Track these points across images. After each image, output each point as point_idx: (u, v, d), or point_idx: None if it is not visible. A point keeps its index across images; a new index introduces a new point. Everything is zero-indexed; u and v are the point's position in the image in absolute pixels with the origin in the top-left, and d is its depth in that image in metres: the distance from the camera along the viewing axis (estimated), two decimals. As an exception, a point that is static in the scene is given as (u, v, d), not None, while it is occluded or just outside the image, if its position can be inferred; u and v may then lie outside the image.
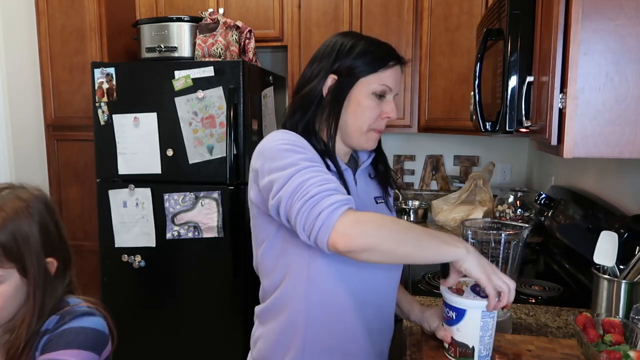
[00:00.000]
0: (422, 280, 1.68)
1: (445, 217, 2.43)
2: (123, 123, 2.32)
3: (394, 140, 2.89)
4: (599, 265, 1.18)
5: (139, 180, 2.33)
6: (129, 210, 2.35)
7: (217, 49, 2.38)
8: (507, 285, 0.89)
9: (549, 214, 1.92)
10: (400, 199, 2.75)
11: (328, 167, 1.01)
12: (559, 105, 0.91)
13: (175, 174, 2.30)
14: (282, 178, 0.92)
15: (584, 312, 1.05)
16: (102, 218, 2.39)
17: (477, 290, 0.97)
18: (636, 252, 1.13)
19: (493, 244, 1.13)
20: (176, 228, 2.31)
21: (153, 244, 2.35)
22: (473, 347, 0.95)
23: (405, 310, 1.18)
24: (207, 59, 2.39)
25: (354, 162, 1.15)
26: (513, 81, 1.17)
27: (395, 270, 1.12)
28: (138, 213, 2.34)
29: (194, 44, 2.46)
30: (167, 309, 2.38)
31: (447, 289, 0.97)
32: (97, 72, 2.33)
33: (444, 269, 1.74)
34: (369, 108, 1.05)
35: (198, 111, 2.24)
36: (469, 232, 1.16)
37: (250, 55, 2.46)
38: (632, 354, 0.90)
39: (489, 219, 1.85)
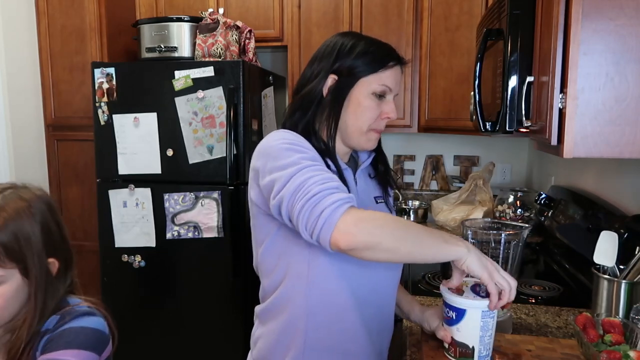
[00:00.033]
0: (422, 280, 1.68)
1: (445, 217, 2.43)
2: (123, 123, 2.32)
3: (394, 140, 2.89)
4: (599, 265, 1.18)
5: (139, 180, 2.33)
6: (129, 210, 2.35)
7: (217, 49, 2.38)
8: (508, 284, 0.89)
9: (549, 214, 1.92)
10: (400, 199, 2.75)
11: (328, 167, 1.01)
12: (559, 105, 0.91)
13: (175, 174, 2.30)
14: (284, 177, 0.92)
15: (584, 312, 1.05)
16: (102, 218, 2.39)
17: (477, 290, 0.97)
18: (636, 252, 1.13)
19: (493, 244, 1.13)
20: (176, 228, 2.31)
21: (153, 244, 2.35)
22: (473, 347, 0.95)
23: (405, 310, 1.18)
24: (207, 59, 2.39)
25: (353, 162, 1.16)
26: (513, 81, 1.17)
27: (395, 270, 1.13)
28: (138, 213, 2.34)
29: (194, 44, 2.46)
30: (167, 309, 2.38)
31: (447, 289, 0.97)
32: (97, 72, 2.34)
33: (445, 269, 1.75)
34: (369, 108, 1.05)
35: (198, 111, 2.24)
36: (469, 232, 1.16)
37: (250, 55, 2.46)
38: (632, 354, 0.90)
39: (489, 219, 1.85)
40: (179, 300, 2.36)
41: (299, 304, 1.02)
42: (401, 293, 1.20)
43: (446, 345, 1.00)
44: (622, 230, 1.26)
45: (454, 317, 0.96)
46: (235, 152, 2.20)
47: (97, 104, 2.34)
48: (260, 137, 2.40)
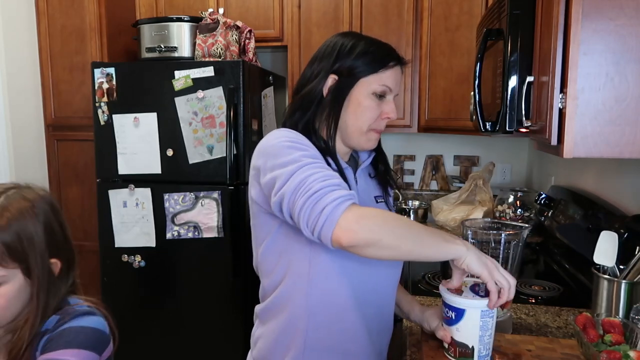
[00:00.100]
0: (422, 280, 1.68)
1: (445, 217, 2.43)
2: (123, 123, 2.32)
3: (394, 140, 2.89)
4: (599, 265, 1.18)
5: (139, 180, 2.33)
6: (129, 210, 2.35)
7: (217, 49, 2.38)
8: (507, 282, 0.89)
9: (549, 214, 1.92)
10: (400, 199, 2.75)
11: (329, 165, 1.01)
12: (559, 105, 0.91)
13: (175, 174, 2.30)
14: (285, 174, 0.92)
15: (584, 312, 1.05)
16: (102, 218, 2.39)
17: (476, 290, 0.97)
18: (636, 252, 1.13)
19: (493, 244, 1.13)
20: (176, 228, 2.31)
21: (153, 244, 2.35)
22: (473, 346, 0.95)
23: (405, 310, 1.18)
24: (207, 59, 2.39)
25: (354, 162, 1.16)
26: (513, 81, 1.17)
27: (395, 268, 1.13)
28: (138, 213, 2.34)
29: (194, 44, 2.46)
30: (167, 309, 2.38)
31: (446, 289, 0.97)
32: (97, 72, 2.34)
33: (445, 269, 1.75)
34: (369, 108, 1.05)
35: (198, 111, 2.24)
36: (469, 232, 1.16)
37: (250, 55, 2.46)
38: (632, 354, 0.90)
39: (489, 219, 1.85)
40: (179, 300, 2.36)
41: (299, 303, 1.02)
42: (401, 293, 1.20)
43: (446, 345, 1.00)
44: (622, 230, 1.26)
45: (454, 317, 0.96)
46: (235, 152, 2.20)
47: (97, 104, 2.34)
48: (260, 137, 2.40)
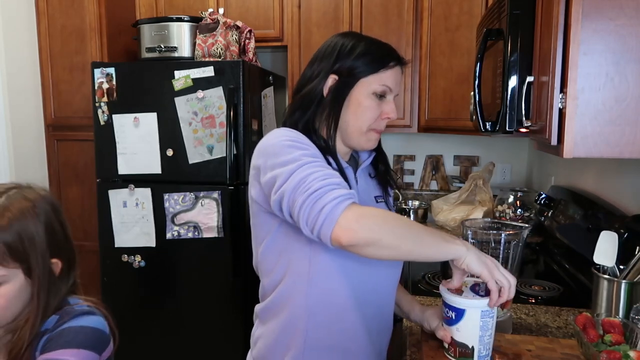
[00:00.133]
0: (422, 280, 1.68)
1: (445, 217, 2.43)
2: (123, 123, 2.32)
3: (394, 140, 2.89)
4: (599, 265, 1.18)
5: (139, 180, 2.33)
6: (129, 210, 2.35)
7: (217, 49, 2.38)
8: (507, 281, 0.89)
9: (549, 214, 1.92)
10: (400, 199, 2.75)
11: (330, 164, 1.01)
12: (559, 105, 0.91)
13: (175, 174, 2.30)
14: (285, 173, 0.92)
15: (584, 312, 1.05)
16: (102, 218, 2.39)
17: (477, 290, 0.97)
18: (636, 252, 1.13)
19: (493, 244, 1.13)
20: (176, 228, 2.31)
21: (153, 244, 2.35)
22: (473, 347, 0.95)
23: (405, 310, 1.18)
24: (207, 59, 2.39)
25: (354, 161, 1.16)
26: (513, 81, 1.17)
27: (395, 268, 1.13)
28: (138, 213, 2.34)
29: (194, 44, 2.46)
30: (167, 309, 2.38)
31: (447, 289, 0.97)
32: (97, 72, 2.34)
33: (445, 269, 1.75)
34: (369, 108, 1.05)
35: (198, 111, 2.24)
36: (469, 232, 1.16)
37: (250, 55, 2.46)
38: (632, 354, 0.90)
39: (489, 219, 1.85)
40: (179, 300, 2.36)
41: (299, 303, 1.02)
42: (401, 293, 1.20)
43: (446, 345, 1.00)
44: (622, 230, 1.26)
45: (454, 317, 0.96)
46: (235, 152, 2.20)
47: (97, 104, 2.34)
48: (260, 137, 2.39)
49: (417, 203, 2.76)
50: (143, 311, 2.41)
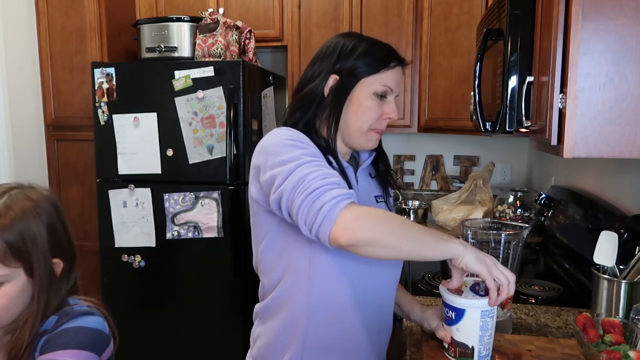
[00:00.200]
0: (422, 280, 1.68)
1: (445, 217, 2.43)
2: (123, 123, 2.32)
3: (394, 140, 2.89)
4: (599, 265, 1.18)
5: (139, 180, 2.33)
6: (129, 210, 2.35)
7: (217, 49, 2.38)
8: (506, 278, 0.89)
9: (549, 214, 1.92)
10: (400, 199, 2.75)
11: (330, 164, 1.01)
12: (559, 105, 0.91)
13: (175, 174, 2.30)
14: (284, 172, 0.92)
15: (584, 312, 1.05)
16: (102, 218, 2.39)
17: (477, 290, 0.97)
18: (636, 252, 1.13)
19: (493, 244, 1.13)
20: (176, 228, 2.31)
21: (153, 244, 2.35)
22: (473, 347, 0.95)
23: (405, 309, 1.18)
24: (207, 59, 2.39)
25: (354, 161, 1.16)
26: (513, 81, 1.17)
27: (395, 268, 1.13)
28: (138, 213, 2.34)
29: (194, 44, 2.46)
30: (167, 309, 2.38)
31: (446, 289, 0.97)
32: (97, 72, 2.34)
33: (445, 269, 1.74)
34: (370, 108, 1.05)
35: (198, 111, 2.24)
36: (469, 232, 1.16)
37: (250, 55, 2.46)
38: (632, 354, 0.90)
39: (489, 219, 1.85)
40: (179, 300, 2.36)
41: (299, 302, 1.02)
42: (401, 293, 1.20)
43: (446, 345, 1.00)
44: (622, 230, 1.26)
45: (454, 317, 0.96)
46: (235, 152, 2.20)
47: (97, 104, 2.34)
48: (260, 137, 2.39)
49: (417, 203, 2.76)
50: (143, 311, 2.41)
